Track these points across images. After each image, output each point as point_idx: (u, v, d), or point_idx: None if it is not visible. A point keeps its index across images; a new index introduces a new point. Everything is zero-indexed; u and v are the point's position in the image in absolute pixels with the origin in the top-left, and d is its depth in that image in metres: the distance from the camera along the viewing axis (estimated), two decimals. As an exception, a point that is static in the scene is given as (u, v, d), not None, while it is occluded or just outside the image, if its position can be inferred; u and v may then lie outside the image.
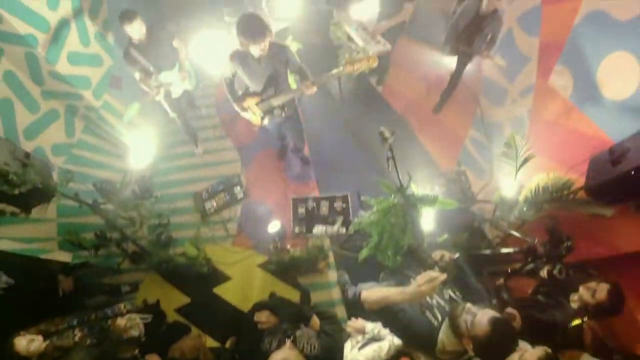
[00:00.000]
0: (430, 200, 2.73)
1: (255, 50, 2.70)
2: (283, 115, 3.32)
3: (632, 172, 2.23)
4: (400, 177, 2.49)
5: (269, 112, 3.26)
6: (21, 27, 2.85)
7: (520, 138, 3.38)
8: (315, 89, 2.93)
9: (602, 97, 2.54)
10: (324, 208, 3.88)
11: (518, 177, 3.26)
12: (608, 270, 2.51)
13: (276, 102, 3.15)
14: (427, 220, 2.89)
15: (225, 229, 3.96)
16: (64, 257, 3.05)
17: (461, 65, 4.22)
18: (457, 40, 3.97)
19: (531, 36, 3.32)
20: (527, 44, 3.40)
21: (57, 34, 3.20)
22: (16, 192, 2.55)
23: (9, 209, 2.63)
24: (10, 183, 2.54)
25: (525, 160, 3.13)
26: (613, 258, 2.49)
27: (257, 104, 3.18)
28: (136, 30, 3.25)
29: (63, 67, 3.29)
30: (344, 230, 3.73)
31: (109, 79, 3.97)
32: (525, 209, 3.11)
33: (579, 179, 2.73)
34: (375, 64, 2.95)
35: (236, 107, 3.24)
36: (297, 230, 3.81)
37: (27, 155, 2.88)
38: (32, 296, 2.82)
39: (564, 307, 2.29)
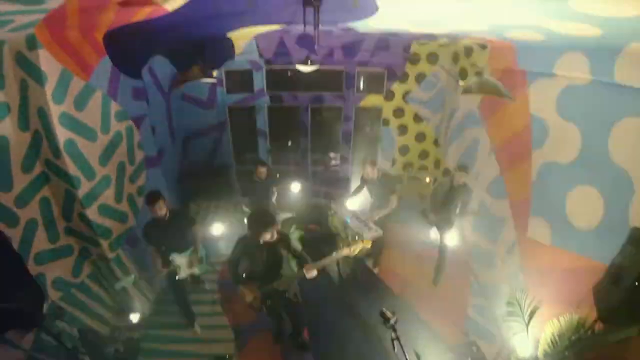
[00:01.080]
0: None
1: (266, 237, 3.08)
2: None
3: (637, 284, 2.34)
4: (408, 358, 2.42)
5: (269, 296, 3.37)
6: (72, 169, 3.34)
7: (520, 293, 3.48)
8: (315, 272, 3.09)
9: (577, 230, 2.84)
10: (325, 401, 3.40)
11: (530, 332, 3.16)
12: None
13: (277, 286, 3.31)
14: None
15: (209, 417, 3.34)
16: (20, 393, 2.51)
17: (444, 234, 4.70)
18: (438, 210, 4.64)
19: (501, 200, 3.94)
20: (499, 208, 3.99)
21: (99, 186, 3.70)
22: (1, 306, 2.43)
23: (-12, 319, 2.42)
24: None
25: (532, 314, 3.14)
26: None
27: (259, 288, 3.32)
28: (157, 210, 3.60)
29: (92, 213, 3.63)
30: None
31: (127, 237, 4.25)
32: (548, 363, 2.89)
33: (590, 313, 2.70)
34: (369, 245, 3.34)
35: (239, 289, 3.34)
36: None
37: (30, 277, 2.85)
38: None
39: None
